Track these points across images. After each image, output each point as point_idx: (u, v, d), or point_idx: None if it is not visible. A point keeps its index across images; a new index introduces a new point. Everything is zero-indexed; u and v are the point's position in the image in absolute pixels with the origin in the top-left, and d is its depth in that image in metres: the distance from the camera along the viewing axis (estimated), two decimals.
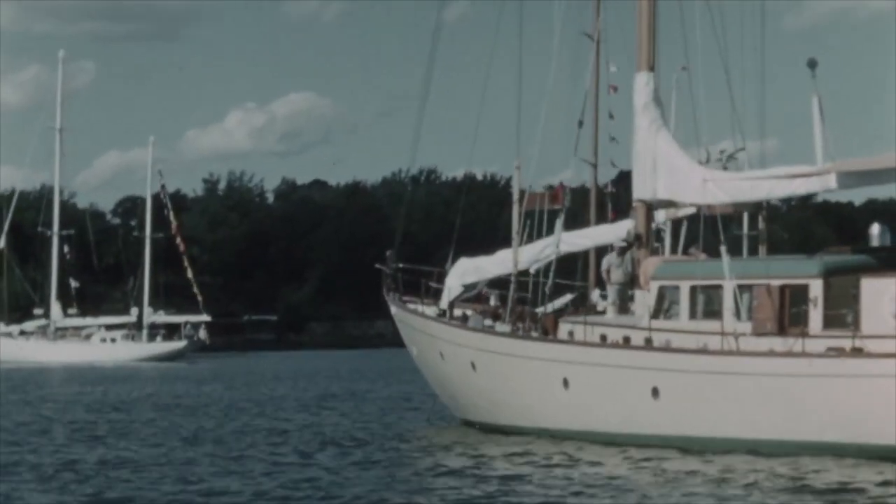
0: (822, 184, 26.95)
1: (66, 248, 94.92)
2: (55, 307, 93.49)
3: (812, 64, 27.49)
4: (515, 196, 30.79)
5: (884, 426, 23.36)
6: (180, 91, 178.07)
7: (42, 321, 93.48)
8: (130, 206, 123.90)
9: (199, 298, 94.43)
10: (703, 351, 25.73)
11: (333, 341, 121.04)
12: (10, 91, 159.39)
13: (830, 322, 25.05)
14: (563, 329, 29.60)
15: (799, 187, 27.35)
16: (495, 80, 34.10)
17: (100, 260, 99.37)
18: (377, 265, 35.29)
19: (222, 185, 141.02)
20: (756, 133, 29.78)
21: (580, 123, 29.92)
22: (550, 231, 30.53)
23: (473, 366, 30.59)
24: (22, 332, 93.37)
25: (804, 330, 25.09)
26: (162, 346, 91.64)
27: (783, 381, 24.39)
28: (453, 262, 33.79)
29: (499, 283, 33.57)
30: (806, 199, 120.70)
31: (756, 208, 30.21)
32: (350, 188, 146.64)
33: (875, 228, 28.06)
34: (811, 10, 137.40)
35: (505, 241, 32.55)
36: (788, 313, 25.60)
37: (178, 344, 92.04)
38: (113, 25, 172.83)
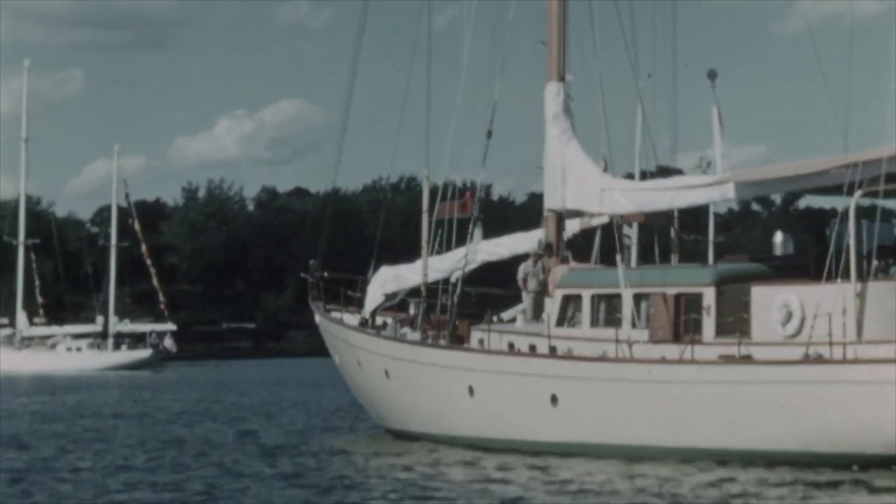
0: (721, 193, 27.26)
1: (32, 257, 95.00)
2: (21, 316, 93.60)
3: (712, 75, 27.88)
4: (425, 206, 31.07)
5: (769, 432, 23.68)
6: (169, 98, 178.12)
7: (8, 330, 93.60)
8: (108, 216, 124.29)
9: (164, 307, 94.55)
10: (597, 358, 26.04)
11: (312, 349, 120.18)
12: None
13: (723, 330, 25.36)
14: (475, 337, 29.89)
15: (700, 197, 27.67)
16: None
17: (77, 269, 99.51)
18: (302, 274, 35.57)
19: (202, 194, 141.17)
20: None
21: (489, 134, 30.14)
22: (460, 239, 30.73)
23: (387, 374, 30.90)
24: None
25: (697, 337, 25.43)
26: (127, 356, 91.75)
27: (673, 388, 24.70)
28: (375, 270, 34.07)
29: (420, 292, 33.81)
30: (787, 205, 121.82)
31: (667, 218, 30.62)
32: (329, 196, 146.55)
33: (778, 237, 28.40)
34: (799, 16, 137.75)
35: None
36: (683, 321, 25.91)
37: (143, 353, 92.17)
38: (101, 33, 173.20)
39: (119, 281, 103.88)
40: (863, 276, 23.73)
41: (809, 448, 23.36)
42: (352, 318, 34.10)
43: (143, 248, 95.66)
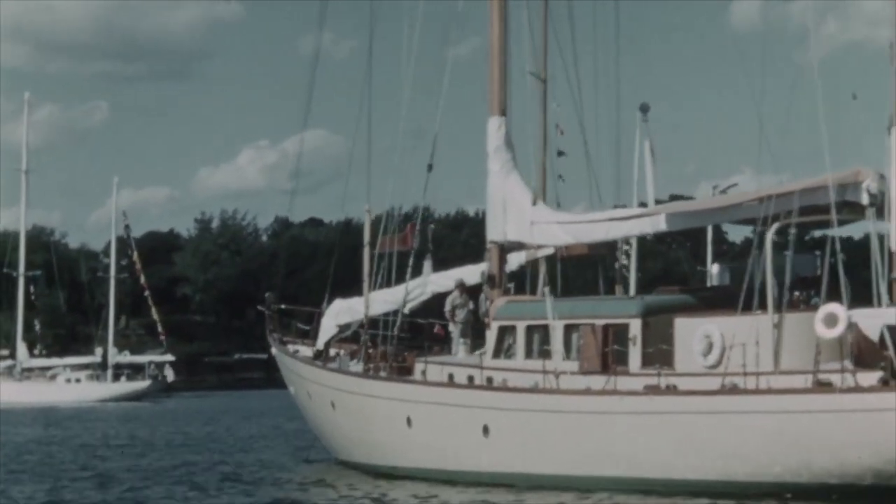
0: (652, 225, 27.60)
1: (31, 289, 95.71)
2: (21, 347, 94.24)
3: (644, 108, 28.22)
4: (366, 239, 31.43)
5: (689, 462, 23.94)
6: (193, 129, 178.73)
7: (8, 362, 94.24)
8: (120, 247, 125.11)
9: (163, 338, 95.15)
10: (526, 389, 26.35)
11: None
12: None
13: (648, 360, 25.62)
14: (419, 368, 30.24)
15: (633, 228, 28.04)
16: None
17: (90, 300, 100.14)
18: (259, 307, 35.97)
19: (216, 224, 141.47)
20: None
21: (429, 167, 30.51)
22: (400, 272, 31.06)
23: (333, 405, 31.28)
24: None
25: (622, 368, 25.73)
26: (125, 387, 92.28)
27: (597, 419, 24.99)
28: (329, 302, 34.46)
29: (374, 324, 34.16)
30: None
31: (611, 248, 31.00)
32: (341, 226, 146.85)
33: (715, 268, 28.77)
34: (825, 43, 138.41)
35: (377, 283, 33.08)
36: (611, 352, 26.20)
37: (141, 384, 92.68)
38: (126, 65, 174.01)
39: (130, 312, 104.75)
40: (779, 308, 23.99)
41: (729, 477, 23.59)
42: (308, 350, 34.53)
43: (142, 279, 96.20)
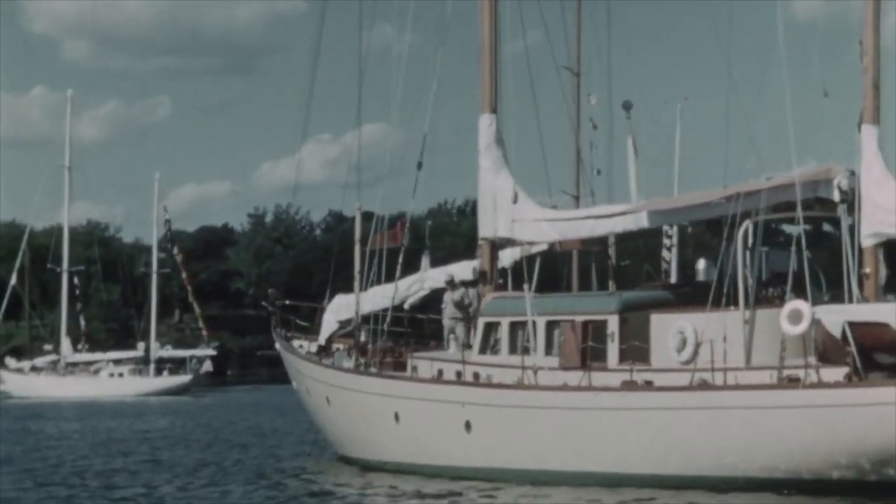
0: (635, 222, 27.76)
1: (76, 282, 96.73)
2: (65, 342, 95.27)
3: (627, 106, 28.35)
4: (357, 237, 31.73)
5: (661, 457, 24.11)
6: (255, 123, 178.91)
7: (53, 356, 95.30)
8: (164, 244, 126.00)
9: (204, 333, 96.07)
10: (505, 385, 26.59)
11: None
12: (87, 126, 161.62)
13: (626, 356, 25.79)
14: (411, 364, 30.52)
15: (617, 225, 28.20)
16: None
17: (138, 295, 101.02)
18: (262, 303, 36.34)
19: (269, 219, 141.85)
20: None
21: (419, 165, 30.75)
22: (390, 269, 31.32)
23: (328, 400, 31.65)
24: (33, 368, 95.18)
25: (601, 364, 25.90)
26: (167, 381, 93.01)
27: (574, 415, 25.20)
28: (330, 298, 34.82)
29: (376, 319, 34.44)
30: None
31: (602, 244, 31.15)
32: (393, 220, 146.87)
33: (701, 264, 28.80)
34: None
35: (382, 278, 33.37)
36: (590, 348, 26.37)
37: (183, 378, 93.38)
38: (188, 60, 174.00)
39: (183, 307, 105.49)
40: (750, 304, 24.09)
41: (700, 472, 23.74)
42: (313, 346, 34.91)
43: (184, 275, 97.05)
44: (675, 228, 34.10)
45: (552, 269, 32.97)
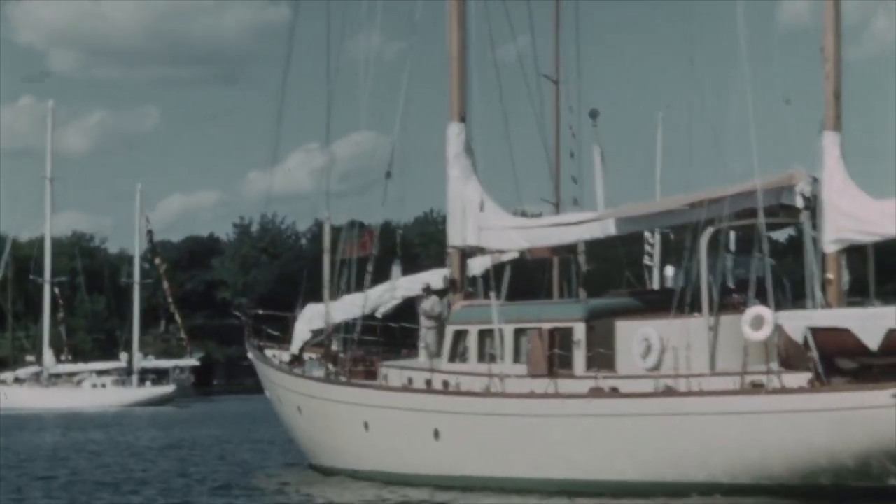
0: (602, 229, 27.84)
1: (57, 293, 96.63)
2: (47, 354, 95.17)
3: (593, 114, 28.43)
4: (326, 246, 31.77)
5: (627, 464, 24.18)
6: (242, 133, 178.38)
7: (35, 367, 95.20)
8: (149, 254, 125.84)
9: (186, 343, 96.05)
10: (472, 393, 26.65)
11: None
12: (74, 136, 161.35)
13: (593, 364, 25.85)
14: (381, 373, 30.56)
15: (584, 232, 28.28)
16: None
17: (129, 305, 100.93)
18: (234, 312, 36.36)
19: (255, 228, 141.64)
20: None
21: (388, 174, 30.80)
22: (359, 278, 31.38)
23: (299, 409, 31.68)
24: (16, 380, 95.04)
25: (568, 371, 25.98)
26: (150, 391, 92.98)
27: (540, 422, 25.27)
28: (302, 307, 34.81)
29: (348, 328, 34.47)
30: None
31: (570, 252, 31.22)
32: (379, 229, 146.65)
33: (669, 270, 28.97)
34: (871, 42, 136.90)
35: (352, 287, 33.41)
36: (557, 355, 26.44)
37: (166, 388, 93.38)
38: (175, 69, 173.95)
39: (169, 317, 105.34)
40: (714, 310, 24.18)
41: (665, 478, 23.82)
42: (285, 356, 34.92)
43: (165, 285, 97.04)
44: (658, 236, 34.29)
45: (527, 278, 32.99)
